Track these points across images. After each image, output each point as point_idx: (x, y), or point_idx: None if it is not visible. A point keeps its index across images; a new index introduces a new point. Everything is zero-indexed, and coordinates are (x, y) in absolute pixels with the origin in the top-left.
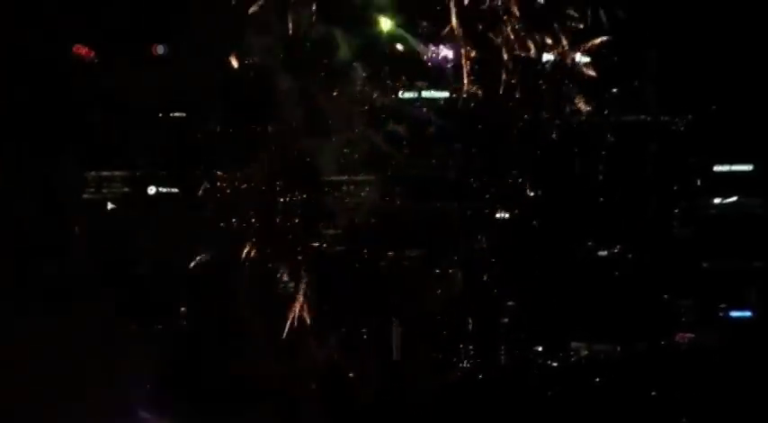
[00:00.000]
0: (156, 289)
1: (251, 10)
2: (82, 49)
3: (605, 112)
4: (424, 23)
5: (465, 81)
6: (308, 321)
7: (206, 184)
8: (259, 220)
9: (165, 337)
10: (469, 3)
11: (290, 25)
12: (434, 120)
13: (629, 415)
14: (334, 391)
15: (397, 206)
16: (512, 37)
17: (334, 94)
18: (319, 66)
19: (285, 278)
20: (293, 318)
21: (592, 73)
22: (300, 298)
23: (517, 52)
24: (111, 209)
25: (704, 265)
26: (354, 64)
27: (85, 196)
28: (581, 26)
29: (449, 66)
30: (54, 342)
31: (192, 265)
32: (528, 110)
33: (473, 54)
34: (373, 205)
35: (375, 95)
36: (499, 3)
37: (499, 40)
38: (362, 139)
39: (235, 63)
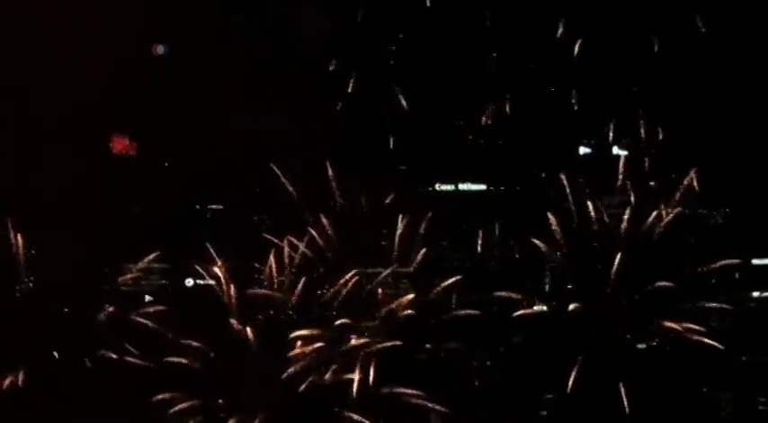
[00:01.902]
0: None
1: None
2: (121, 143)
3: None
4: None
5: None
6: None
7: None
8: (298, 314)
9: None
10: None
11: None
12: (472, 212)
13: None
14: None
15: (435, 298)
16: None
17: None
18: None
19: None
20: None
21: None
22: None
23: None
24: (149, 301)
25: (743, 358)
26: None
27: (123, 288)
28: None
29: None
30: None
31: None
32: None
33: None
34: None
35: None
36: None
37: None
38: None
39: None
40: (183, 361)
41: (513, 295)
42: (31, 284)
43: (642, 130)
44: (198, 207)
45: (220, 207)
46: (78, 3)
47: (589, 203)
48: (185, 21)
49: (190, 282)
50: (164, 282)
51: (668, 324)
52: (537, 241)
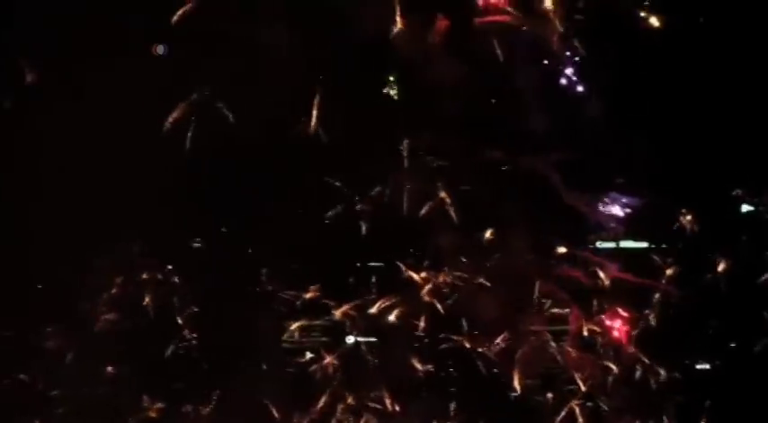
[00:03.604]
0: None
1: None
2: None
3: None
4: None
5: None
6: None
7: None
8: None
9: None
10: None
11: None
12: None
13: None
14: None
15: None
16: None
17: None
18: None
19: None
20: None
21: None
22: None
23: None
24: (310, 358)
25: None
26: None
27: (285, 345)
28: None
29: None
30: None
31: None
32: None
33: None
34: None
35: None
36: None
37: None
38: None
39: None
40: None
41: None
42: (194, 341)
43: None
44: (358, 264)
45: (381, 264)
46: None
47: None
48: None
49: (351, 339)
50: (324, 339)
51: None
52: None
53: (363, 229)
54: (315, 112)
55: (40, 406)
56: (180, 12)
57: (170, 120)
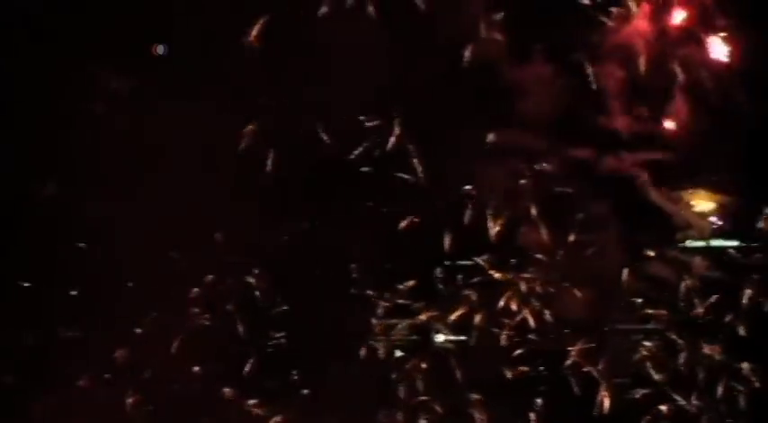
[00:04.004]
0: None
1: None
2: None
3: None
4: None
5: None
6: None
7: None
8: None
9: None
10: None
11: None
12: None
13: None
14: None
15: None
16: None
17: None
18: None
19: None
20: None
21: None
22: None
23: None
24: (398, 357)
25: None
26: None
27: (371, 343)
28: None
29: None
30: None
31: None
32: None
33: None
34: None
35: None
36: None
37: None
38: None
39: None
40: None
41: None
42: (283, 340)
43: None
44: (446, 263)
45: (468, 263)
46: None
47: None
48: None
49: (440, 337)
50: (414, 337)
51: None
52: None
53: (448, 227)
54: (397, 117)
55: (125, 405)
56: (262, 20)
57: (253, 123)
